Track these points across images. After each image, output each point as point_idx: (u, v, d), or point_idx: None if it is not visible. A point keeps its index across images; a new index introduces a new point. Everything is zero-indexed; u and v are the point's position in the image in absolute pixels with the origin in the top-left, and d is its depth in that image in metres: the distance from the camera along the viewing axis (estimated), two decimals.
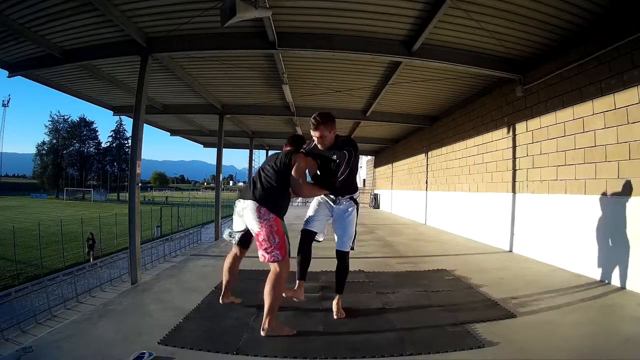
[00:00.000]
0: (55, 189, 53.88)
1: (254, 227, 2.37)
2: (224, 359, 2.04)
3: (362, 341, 2.23)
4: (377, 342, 2.21)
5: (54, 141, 56.33)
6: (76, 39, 4.35)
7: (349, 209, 2.65)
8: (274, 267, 2.33)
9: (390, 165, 13.81)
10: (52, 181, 54.61)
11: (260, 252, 2.36)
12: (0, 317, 6.73)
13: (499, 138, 5.74)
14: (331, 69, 5.45)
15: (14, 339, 5.88)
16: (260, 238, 2.33)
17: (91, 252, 14.02)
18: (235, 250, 2.78)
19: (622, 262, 3.31)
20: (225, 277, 2.81)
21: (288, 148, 2.70)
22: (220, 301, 2.82)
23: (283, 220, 2.46)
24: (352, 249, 2.70)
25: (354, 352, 2.07)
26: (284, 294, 2.45)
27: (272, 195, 2.40)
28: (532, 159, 4.84)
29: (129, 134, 53.00)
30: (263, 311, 2.33)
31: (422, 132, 9.51)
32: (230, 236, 2.75)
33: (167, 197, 55.39)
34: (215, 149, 7.98)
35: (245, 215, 2.43)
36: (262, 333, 2.27)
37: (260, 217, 2.33)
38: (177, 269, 4.23)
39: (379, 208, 15.49)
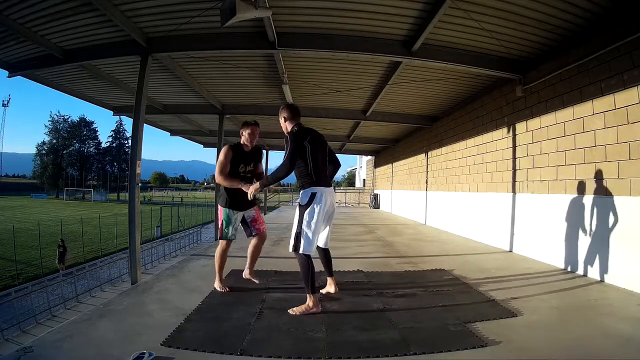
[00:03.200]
0: (55, 189, 53.91)
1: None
2: None
3: (365, 341, 2.23)
4: (381, 342, 2.21)
5: (54, 141, 56.40)
6: (76, 39, 4.35)
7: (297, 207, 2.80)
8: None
9: (390, 165, 13.81)
10: (52, 181, 54.64)
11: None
12: (0, 317, 6.73)
13: (499, 138, 5.74)
14: (331, 69, 5.45)
15: (14, 339, 5.88)
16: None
17: (62, 261, 12.42)
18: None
19: (623, 262, 3.31)
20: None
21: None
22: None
23: (225, 209, 3.12)
24: (295, 249, 2.66)
25: (358, 352, 2.07)
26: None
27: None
28: (532, 159, 4.84)
29: (129, 134, 53.08)
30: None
31: (422, 132, 9.51)
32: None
33: (182, 198, 55.19)
34: (215, 149, 7.99)
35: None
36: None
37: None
38: (177, 269, 4.23)
39: (379, 208, 15.49)
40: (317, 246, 2.91)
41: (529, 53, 4.51)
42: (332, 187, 2.89)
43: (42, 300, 7.45)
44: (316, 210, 2.66)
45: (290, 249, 2.70)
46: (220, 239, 3.20)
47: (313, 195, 2.68)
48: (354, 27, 4.06)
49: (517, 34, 4.02)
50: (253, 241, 3.34)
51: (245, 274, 3.44)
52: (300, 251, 2.64)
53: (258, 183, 2.86)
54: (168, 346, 2.13)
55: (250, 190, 2.83)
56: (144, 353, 1.99)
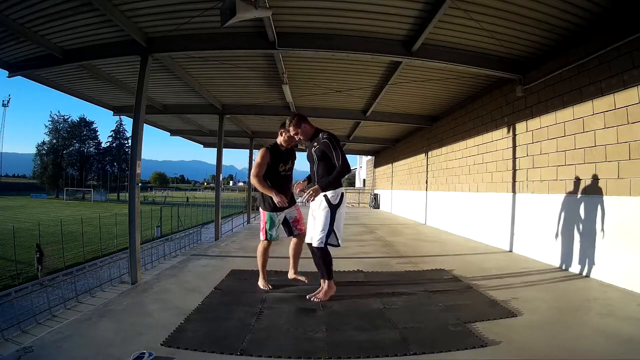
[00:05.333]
0: (55, 189, 53.83)
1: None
2: None
3: (365, 341, 2.23)
4: (381, 342, 2.21)
5: (54, 141, 56.29)
6: (76, 39, 4.35)
7: (321, 205, 2.89)
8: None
9: (390, 165, 13.81)
10: (52, 181, 54.54)
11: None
12: (0, 317, 6.72)
13: (499, 138, 5.74)
14: (331, 69, 5.45)
15: (14, 339, 5.86)
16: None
17: (40, 267, 11.66)
18: None
19: (623, 262, 3.31)
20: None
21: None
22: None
23: (268, 212, 3.19)
24: (326, 244, 2.86)
25: (358, 352, 2.07)
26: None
27: None
28: (532, 159, 4.84)
29: (129, 134, 53.12)
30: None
31: (422, 132, 9.51)
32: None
33: (188, 198, 55.05)
34: (215, 149, 7.99)
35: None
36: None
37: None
38: (177, 269, 4.23)
39: (379, 208, 15.48)
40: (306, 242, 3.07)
41: (529, 53, 4.50)
42: None
43: (42, 300, 7.42)
44: (343, 210, 2.93)
45: (320, 244, 2.83)
46: (264, 239, 3.27)
47: (342, 195, 2.91)
48: (354, 27, 4.06)
49: (517, 34, 4.02)
50: (293, 241, 3.39)
51: (290, 274, 3.47)
52: (341, 245, 2.93)
53: (317, 186, 2.87)
54: (168, 346, 2.13)
55: (307, 195, 2.87)
56: (144, 353, 1.99)
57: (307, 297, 2.94)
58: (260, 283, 3.32)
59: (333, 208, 2.85)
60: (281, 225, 3.31)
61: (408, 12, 3.70)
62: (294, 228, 3.31)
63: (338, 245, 2.93)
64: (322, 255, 2.90)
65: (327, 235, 2.84)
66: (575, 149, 4.03)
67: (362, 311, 2.74)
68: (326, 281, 2.95)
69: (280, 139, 3.26)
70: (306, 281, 3.34)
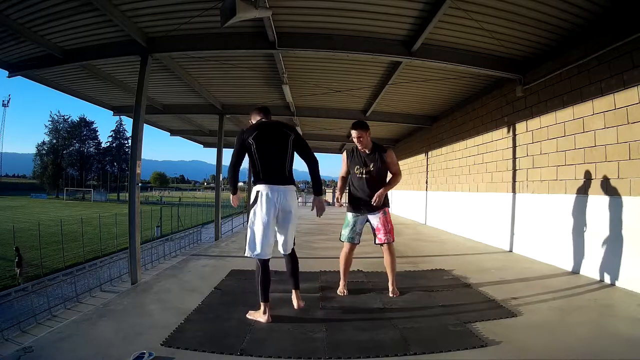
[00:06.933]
0: (55, 189, 53.95)
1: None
2: None
3: (365, 341, 2.23)
4: (381, 342, 2.21)
5: (54, 141, 56.46)
6: (76, 39, 4.35)
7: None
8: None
9: None
10: (52, 181, 54.68)
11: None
12: (0, 317, 6.72)
13: (499, 138, 5.74)
14: (331, 69, 5.45)
15: (14, 339, 5.87)
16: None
17: (19, 271, 11.24)
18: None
19: (623, 262, 3.31)
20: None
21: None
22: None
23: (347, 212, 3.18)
24: (254, 255, 2.55)
25: (358, 352, 2.07)
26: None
27: None
28: (532, 159, 4.84)
29: (129, 134, 53.14)
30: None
31: (422, 132, 9.51)
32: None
33: (180, 198, 55.59)
34: (215, 149, 7.99)
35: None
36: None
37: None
38: (177, 269, 4.23)
39: None
40: (283, 253, 2.69)
41: (529, 53, 4.50)
42: (287, 186, 2.55)
43: (42, 300, 7.44)
44: (258, 210, 2.47)
45: (245, 254, 2.55)
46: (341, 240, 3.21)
47: (258, 194, 2.50)
48: (354, 27, 4.06)
49: (517, 34, 4.02)
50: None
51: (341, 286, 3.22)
52: (245, 254, 2.49)
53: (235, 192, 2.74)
54: (168, 346, 2.13)
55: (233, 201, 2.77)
56: (144, 353, 1.99)
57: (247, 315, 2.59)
58: (339, 289, 3.17)
59: (248, 208, 2.55)
60: (357, 229, 3.13)
61: (408, 12, 3.70)
62: (375, 237, 3.13)
63: (251, 254, 2.51)
64: (256, 268, 2.54)
65: (249, 242, 2.49)
66: (575, 149, 4.03)
67: (362, 311, 2.74)
68: (261, 303, 2.50)
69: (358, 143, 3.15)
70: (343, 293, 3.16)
